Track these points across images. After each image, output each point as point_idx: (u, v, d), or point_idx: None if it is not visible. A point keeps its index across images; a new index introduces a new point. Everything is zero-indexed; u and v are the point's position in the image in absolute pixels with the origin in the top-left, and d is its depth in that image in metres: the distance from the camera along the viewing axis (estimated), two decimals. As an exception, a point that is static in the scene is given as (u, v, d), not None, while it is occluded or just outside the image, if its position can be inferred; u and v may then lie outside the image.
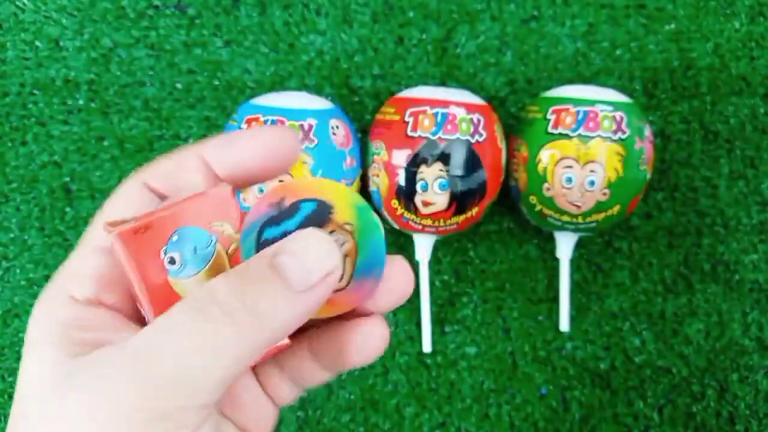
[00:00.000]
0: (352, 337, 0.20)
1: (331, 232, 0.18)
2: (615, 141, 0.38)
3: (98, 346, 0.18)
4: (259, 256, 0.18)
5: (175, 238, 0.19)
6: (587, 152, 0.38)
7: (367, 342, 0.20)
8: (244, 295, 0.17)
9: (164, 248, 0.19)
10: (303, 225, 0.18)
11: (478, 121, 0.39)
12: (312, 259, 0.17)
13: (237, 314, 0.17)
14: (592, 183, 0.38)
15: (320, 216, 0.18)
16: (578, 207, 0.39)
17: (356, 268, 0.18)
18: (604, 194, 0.39)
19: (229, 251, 0.19)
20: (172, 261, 0.19)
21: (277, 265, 0.17)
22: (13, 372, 0.46)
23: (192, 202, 0.19)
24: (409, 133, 0.38)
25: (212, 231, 0.19)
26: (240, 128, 0.38)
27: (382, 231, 0.18)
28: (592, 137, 0.38)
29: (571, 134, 0.38)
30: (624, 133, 0.38)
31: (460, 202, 0.39)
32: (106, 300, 0.19)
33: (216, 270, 0.19)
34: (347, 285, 0.18)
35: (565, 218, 0.40)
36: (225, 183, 0.19)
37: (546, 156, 0.39)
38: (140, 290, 0.19)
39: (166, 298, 0.19)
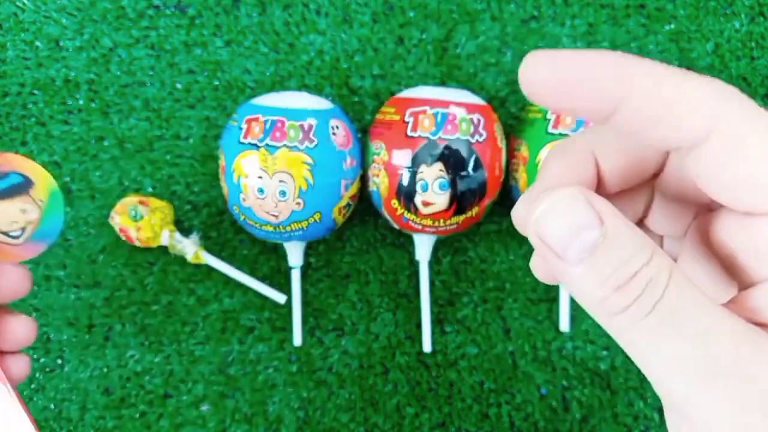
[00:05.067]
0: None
1: (25, 202, 0.24)
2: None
3: None
4: None
5: None
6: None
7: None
8: None
9: None
10: (5, 191, 0.24)
11: (478, 121, 0.39)
12: None
13: None
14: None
15: (21, 187, 0.24)
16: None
17: (34, 233, 0.25)
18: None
19: None
20: None
21: None
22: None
23: None
24: (409, 133, 0.38)
25: None
26: (240, 129, 0.38)
27: (63, 215, 0.25)
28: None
29: (572, 134, 0.38)
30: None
31: (460, 202, 0.39)
32: None
33: None
34: (23, 243, 0.25)
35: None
36: None
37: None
38: None
39: None
